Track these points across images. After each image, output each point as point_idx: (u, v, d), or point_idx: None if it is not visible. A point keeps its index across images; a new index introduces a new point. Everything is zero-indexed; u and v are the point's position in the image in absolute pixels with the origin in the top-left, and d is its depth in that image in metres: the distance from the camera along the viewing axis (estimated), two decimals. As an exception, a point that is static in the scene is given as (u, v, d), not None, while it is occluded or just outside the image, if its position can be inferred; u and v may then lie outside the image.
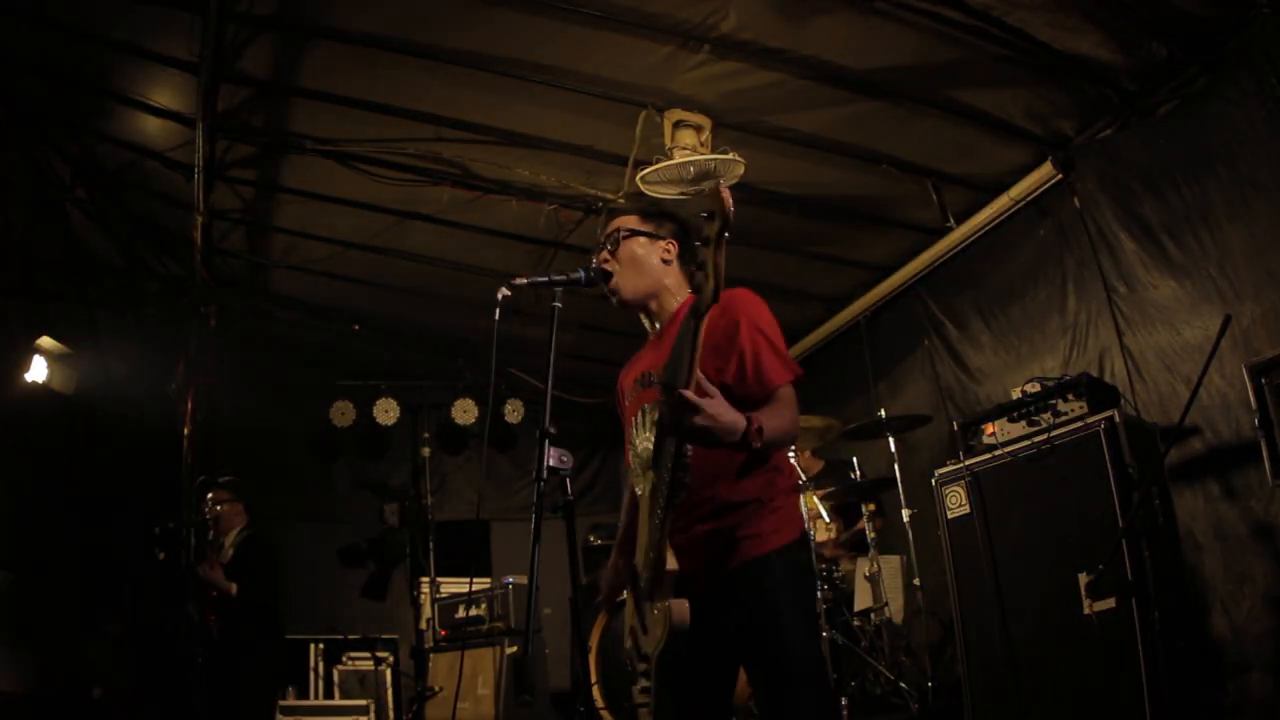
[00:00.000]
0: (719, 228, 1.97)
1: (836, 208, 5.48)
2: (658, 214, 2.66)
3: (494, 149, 4.94)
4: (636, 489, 2.55)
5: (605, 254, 2.61)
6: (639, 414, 2.53)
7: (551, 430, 2.34)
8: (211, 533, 5.67)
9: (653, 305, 2.62)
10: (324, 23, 4.16)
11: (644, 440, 2.47)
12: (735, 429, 2.12)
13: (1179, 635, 3.68)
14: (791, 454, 5.18)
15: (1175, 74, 4.27)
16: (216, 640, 5.33)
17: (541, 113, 4.66)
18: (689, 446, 2.15)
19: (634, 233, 2.60)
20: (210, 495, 5.68)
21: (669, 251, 2.61)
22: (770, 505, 2.41)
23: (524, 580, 5.88)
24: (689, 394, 2.06)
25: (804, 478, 5.25)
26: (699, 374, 2.10)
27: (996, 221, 5.33)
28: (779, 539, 2.38)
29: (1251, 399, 3.59)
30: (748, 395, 2.32)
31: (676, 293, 2.61)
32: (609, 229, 2.65)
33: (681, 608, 2.22)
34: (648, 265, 2.59)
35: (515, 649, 5.84)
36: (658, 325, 2.64)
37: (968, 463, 4.39)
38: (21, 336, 5.60)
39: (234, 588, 5.44)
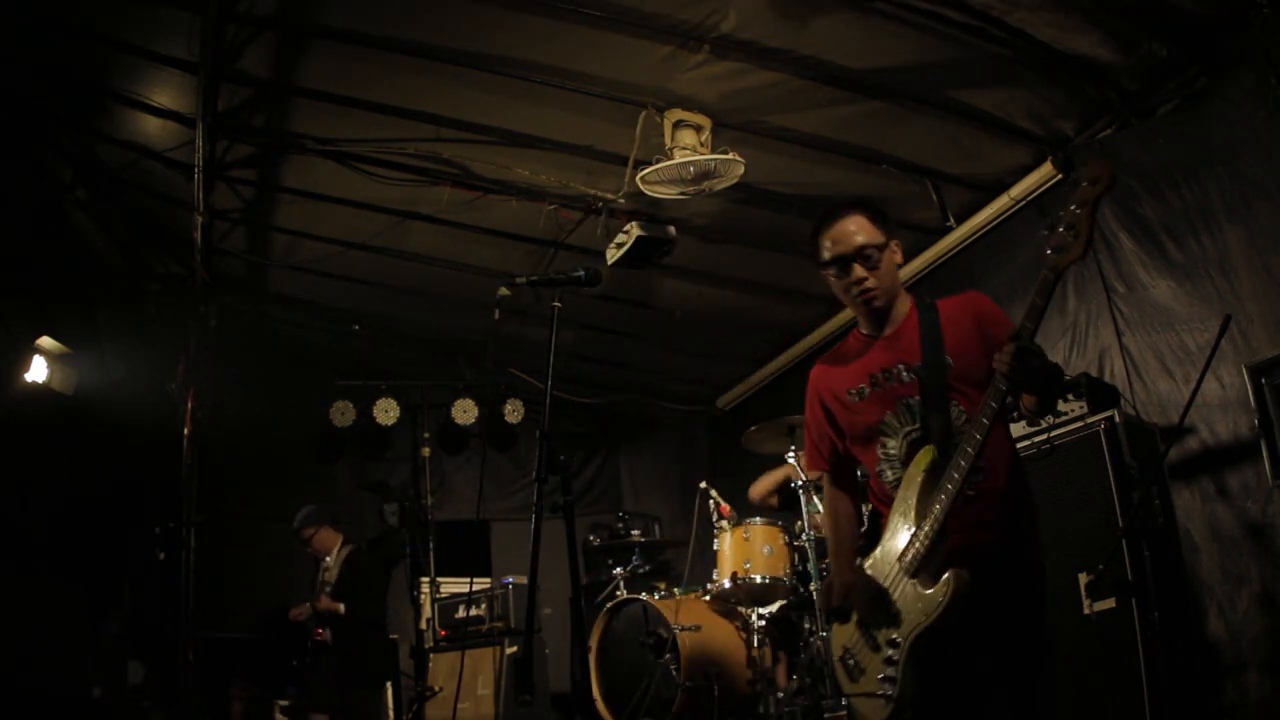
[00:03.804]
0: (1102, 191, 2.17)
1: (836, 208, 5.48)
2: (883, 215, 2.60)
3: (494, 149, 4.94)
4: (888, 476, 2.53)
5: (862, 270, 2.52)
6: (897, 406, 2.52)
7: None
8: (324, 570, 6.08)
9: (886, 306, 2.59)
10: (324, 23, 4.16)
11: (909, 430, 2.49)
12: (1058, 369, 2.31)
13: (1179, 635, 3.68)
14: (791, 454, 5.18)
15: (1175, 74, 4.26)
16: (330, 650, 5.75)
17: (541, 113, 4.66)
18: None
19: (887, 244, 2.57)
20: (301, 535, 6.11)
21: (897, 252, 2.61)
22: (1026, 495, 2.52)
23: (524, 580, 5.88)
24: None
25: (805, 476, 5.24)
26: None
27: (996, 221, 5.32)
28: (1033, 527, 2.51)
29: (1251, 399, 3.59)
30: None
31: (902, 293, 2.64)
32: (854, 244, 2.51)
33: (964, 575, 2.22)
34: (894, 271, 2.60)
35: (515, 649, 5.84)
36: (886, 327, 2.61)
37: (968, 463, 4.38)
38: (21, 336, 5.60)
39: (341, 608, 5.78)
